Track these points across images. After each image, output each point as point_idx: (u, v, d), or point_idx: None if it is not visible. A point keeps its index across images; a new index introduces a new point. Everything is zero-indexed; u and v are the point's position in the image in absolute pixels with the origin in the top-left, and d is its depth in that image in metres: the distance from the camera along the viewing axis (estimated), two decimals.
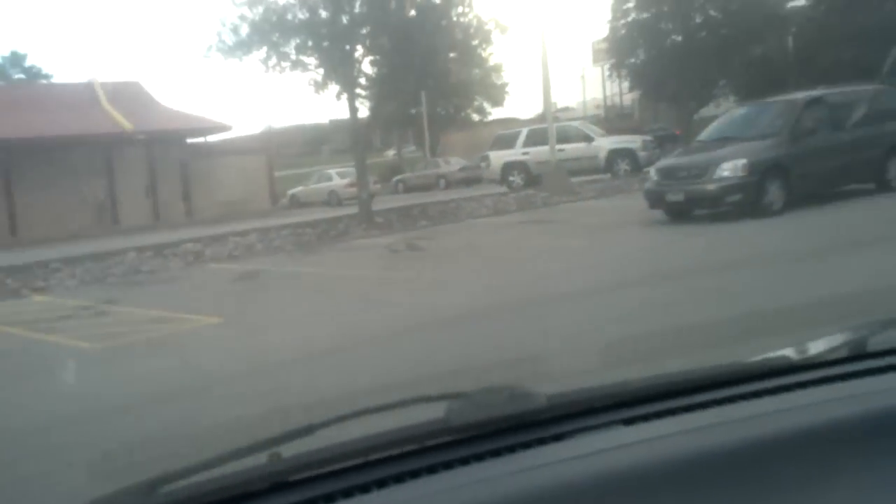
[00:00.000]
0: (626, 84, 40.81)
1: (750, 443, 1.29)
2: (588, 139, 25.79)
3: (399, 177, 39.79)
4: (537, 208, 19.21)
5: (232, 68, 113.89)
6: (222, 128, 32.44)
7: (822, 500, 1.19)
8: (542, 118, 27.80)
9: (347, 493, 1.21)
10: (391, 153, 55.74)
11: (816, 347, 1.61)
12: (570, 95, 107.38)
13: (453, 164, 37.63)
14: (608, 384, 1.51)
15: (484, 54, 34.96)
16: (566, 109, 55.60)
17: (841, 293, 6.09)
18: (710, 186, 12.77)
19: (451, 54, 23.12)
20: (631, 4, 33.78)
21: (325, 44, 18.17)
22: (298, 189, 36.54)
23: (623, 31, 34.16)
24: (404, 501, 1.21)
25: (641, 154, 24.83)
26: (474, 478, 1.25)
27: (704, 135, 15.01)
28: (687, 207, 13.35)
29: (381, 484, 1.24)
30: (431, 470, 1.27)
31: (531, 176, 25.13)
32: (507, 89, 50.83)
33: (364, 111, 23.64)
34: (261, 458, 1.26)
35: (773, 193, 12.69)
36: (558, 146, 23.22)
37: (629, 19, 33.98)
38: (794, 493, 1.20)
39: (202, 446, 3.51)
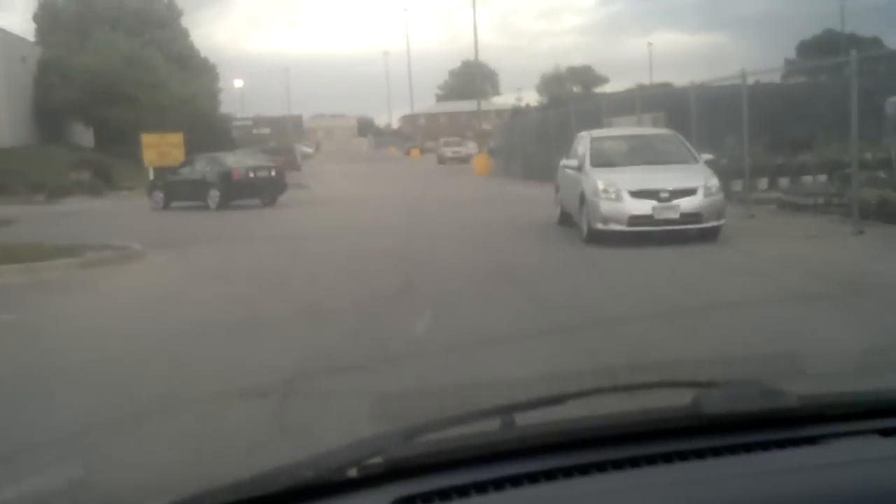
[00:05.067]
0: None
1: None
2: None
3: None
4: None
5: None
6: None
7: None
8: None
9: (601, 467, 1.23)
10: None
11: None
12: None
13: None
14: (864, 391, 1.52)
15: None
16: None
17: None
18: None
19: None
20: None
21: None
22: None
23: None
24: (658, 485, 1.19)
25: None
26: (729, 472, 1.24)
27: None
28: None
29: (634, 463, 1.25)
30: (682, 456, 1.26)
31: None
32: None
33: None
34: (497, 424, 1.30)
35: None
36: None
37: None
38: None
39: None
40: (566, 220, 13.28)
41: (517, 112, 35.02)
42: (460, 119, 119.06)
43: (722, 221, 10.75)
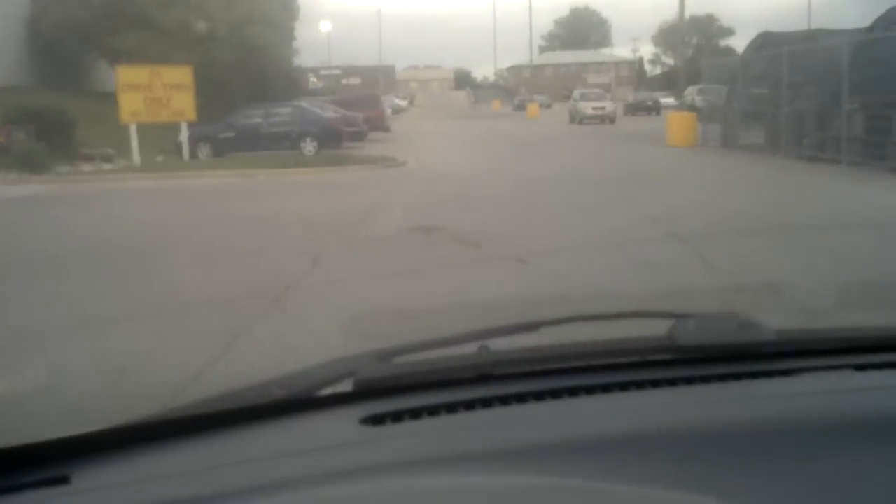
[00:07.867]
0: None
1: None
2: None
3: None
4: None
5: None
6: None
7: None
8: None
9: (573, 392, 1.22)
10: None
11: None
12: None
13: None
14: (841, 327, 1.52)
15: None
16: None
17: None
18: None
19: None
20: None
21: None
22: None
23: None
24: (630, 410, 1.18)
25: None
26: (700, 398, 1.22)
27: None
28: None
29: (606, 389, 1.24)
30: (655, 384, 1.24)
31: None
32: None
33: None
34: (470, 348, 1.28)
35: None
36: None
37: None
38: None
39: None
40: None
41: (767, 39, 20.04)
42: (570, 71, 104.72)
43: None
